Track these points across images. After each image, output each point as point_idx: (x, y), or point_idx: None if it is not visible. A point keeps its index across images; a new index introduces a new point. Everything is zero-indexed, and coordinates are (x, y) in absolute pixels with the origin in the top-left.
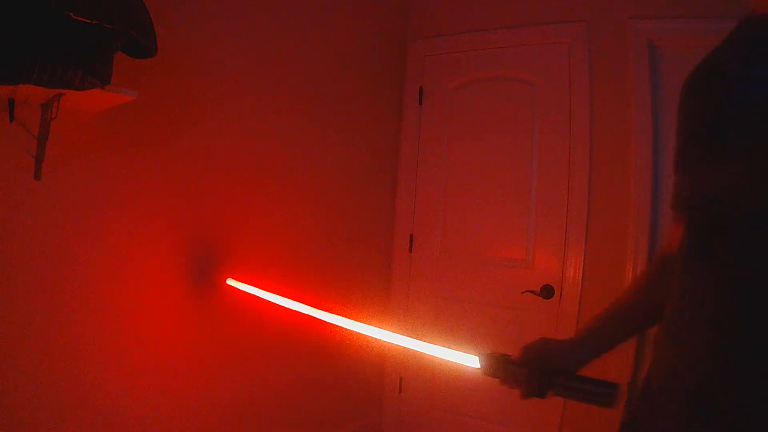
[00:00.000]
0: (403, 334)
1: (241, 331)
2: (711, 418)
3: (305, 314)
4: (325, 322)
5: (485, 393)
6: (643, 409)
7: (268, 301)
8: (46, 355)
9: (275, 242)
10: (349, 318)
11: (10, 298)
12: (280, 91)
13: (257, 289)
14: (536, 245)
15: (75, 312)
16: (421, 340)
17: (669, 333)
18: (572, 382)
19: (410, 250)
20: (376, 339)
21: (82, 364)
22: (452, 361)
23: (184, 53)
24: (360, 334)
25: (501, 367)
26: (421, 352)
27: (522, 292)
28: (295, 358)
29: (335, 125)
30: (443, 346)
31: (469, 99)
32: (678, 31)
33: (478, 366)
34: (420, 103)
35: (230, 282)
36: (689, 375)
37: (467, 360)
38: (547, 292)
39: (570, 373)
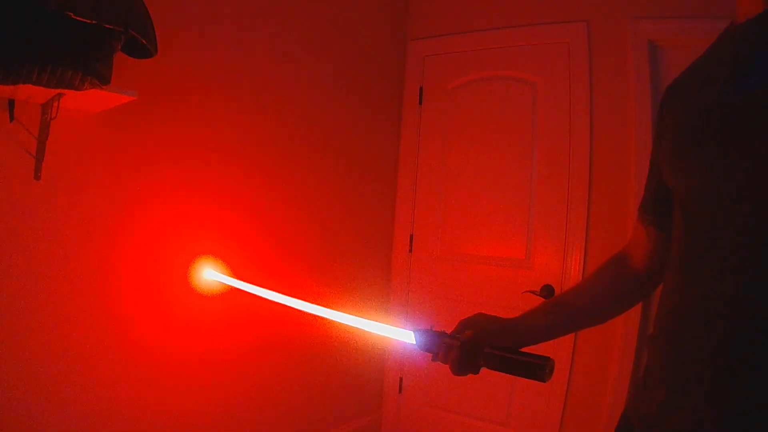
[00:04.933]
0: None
1: (241, 332)
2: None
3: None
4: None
5: (485, 393)
6: (638, 409)
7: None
8: (46, 355)
9: (275, 242)
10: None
11: (10, 297)
12: (281, 90)
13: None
14: (536, 245)
15: (75, 311)
16: (360, 316)
17: (674, 331)
18: (503, 353)
19: (410, 250)
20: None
21: (81, 364)
22: (389, 336)
23: (184, 53)
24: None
25: (435, 341)
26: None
27: (522, 293)
28: (295, 358)
29: (335, 125)
30: (381, 323)
31: (469, 99)
32: (678, 31)
33: (414, 342)
34: (420, 103)
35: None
36: (710, 371)
37: (403, 336)
38: (547, 292)
39: (500, 345)
